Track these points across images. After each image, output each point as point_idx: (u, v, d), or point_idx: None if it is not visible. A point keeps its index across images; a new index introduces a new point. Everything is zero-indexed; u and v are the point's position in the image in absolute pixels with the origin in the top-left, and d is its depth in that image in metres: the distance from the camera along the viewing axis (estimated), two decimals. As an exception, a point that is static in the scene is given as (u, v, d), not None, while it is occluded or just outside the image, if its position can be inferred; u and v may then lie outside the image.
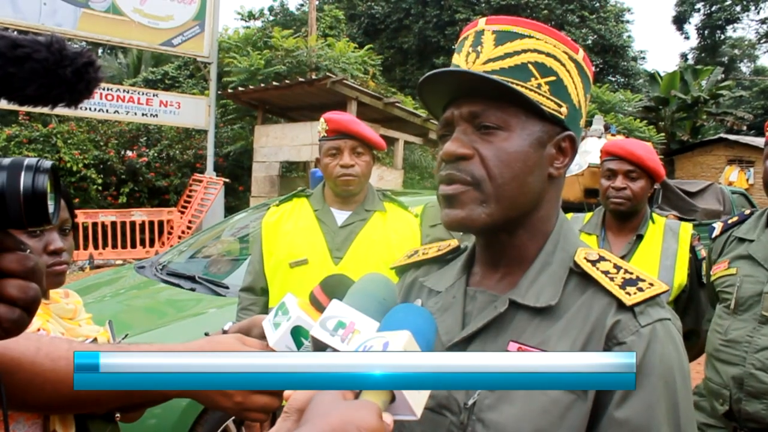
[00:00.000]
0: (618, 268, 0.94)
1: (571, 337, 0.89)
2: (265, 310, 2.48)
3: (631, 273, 0.93)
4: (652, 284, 0.91)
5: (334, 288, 0.95)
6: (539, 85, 0.93)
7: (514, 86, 0.91)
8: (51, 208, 0.72)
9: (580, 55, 0.97)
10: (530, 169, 0.94)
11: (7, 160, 0.72)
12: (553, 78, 0.94)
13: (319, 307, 0.91)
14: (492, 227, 0.96)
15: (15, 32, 0.71)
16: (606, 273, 0.93)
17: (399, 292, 1.15)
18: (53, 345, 0.96)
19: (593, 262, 0.95)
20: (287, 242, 2.45)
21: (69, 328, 1.43)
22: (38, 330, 1.32)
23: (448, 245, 1.17)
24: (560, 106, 0.94)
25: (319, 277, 2.24)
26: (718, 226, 2.47)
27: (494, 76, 0.91)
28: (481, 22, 0.97)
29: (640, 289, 0.90)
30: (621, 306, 0.89)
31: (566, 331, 0.90)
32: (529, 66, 0.93)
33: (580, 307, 0.91)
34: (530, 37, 0.93)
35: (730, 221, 2.43)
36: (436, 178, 1.00)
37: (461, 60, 0.96)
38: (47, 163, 0.73)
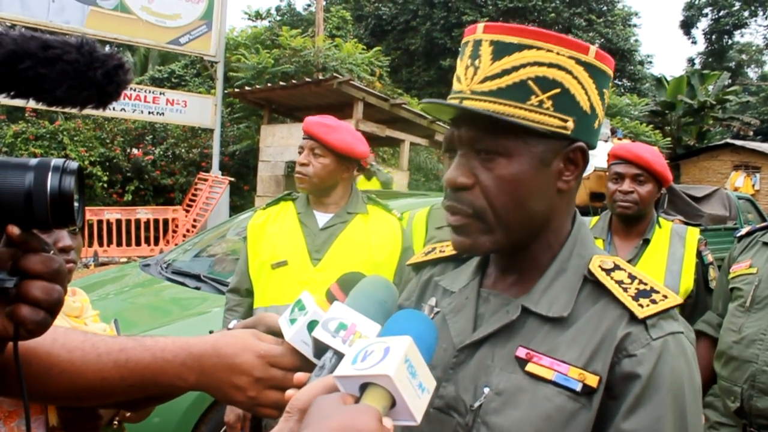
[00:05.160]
0: (632, 278, 0.93)
1: (580, 345, 0.89)
2: (250, 311, 2.51)
3: (646, 284, 0.92)
4: (666, 296, 0.90)
5: (352, 285, 0.95)
6: (541, 102, 0.88)
7: (507, 115, 0.88)
8: (76, 210, 0.73)
9: (591, 53, 0.90)
10: (534, 192, 0.92)
11: (34, 161, 0.72)
12: (557, 91, 0.89)
13: None
14: (499, 251, 0.96)
15: (22, 29, 0.71)
16: (620, 283, 0.92)
17: (414, 289, 1.16)
18: (69, 336, 0.96)
19: (608, 271, 0.94)
20: (270, 244, 2.48)
21: (75, 326, 1.43)
22: None
23: None
24: (565, 121, 0.90)
25: (298, 279, 2.24)
26: (745, 228, 2.58)
27: (487, 107, 0.89)
28: (479, 30, 0.93)
29: (654, 302, 0.89)
30: (633, 318, 0.88)
31: (575, 340, 0.89)
32: (529, 83, 0.88)
33: (592, 316, 0.91)
34: (530, 47, 0.88)
35: (758, 226, 2.52)
36: (444, 197, 0.99)
37: (461, 72, 0.94)
38: (74, 165, 0.73)
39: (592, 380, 0.86)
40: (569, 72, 0.89)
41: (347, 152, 2.42)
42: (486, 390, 0.90)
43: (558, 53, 0.88)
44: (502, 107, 0.88)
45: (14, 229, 0.72)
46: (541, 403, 0.86)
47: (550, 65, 0.88)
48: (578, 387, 0.86)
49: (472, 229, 0.93)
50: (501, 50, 0.89)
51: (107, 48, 0.75)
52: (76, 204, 0.73)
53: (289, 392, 0.79)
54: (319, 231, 2.46)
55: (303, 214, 2.51)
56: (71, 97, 0.72)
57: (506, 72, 0.88)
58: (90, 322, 1.50)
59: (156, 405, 1.16)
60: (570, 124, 0.90)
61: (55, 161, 0.72)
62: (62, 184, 0.71)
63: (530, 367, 0.89)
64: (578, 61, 0.89)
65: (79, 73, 0.71)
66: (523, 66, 0.88)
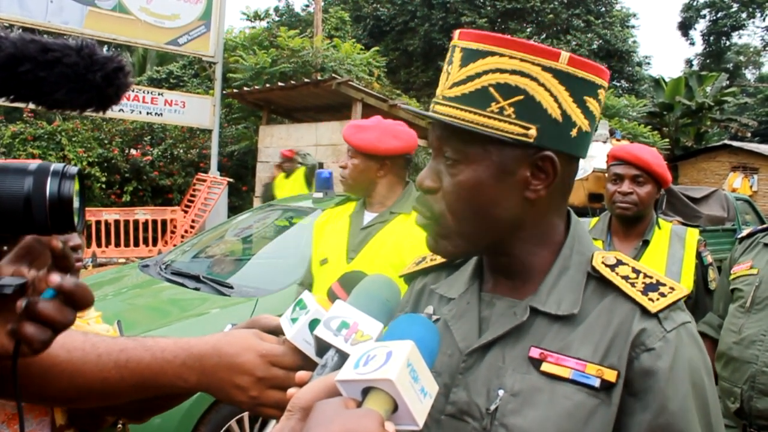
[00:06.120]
0: (637, 272, 0.94)
1: (592, 342, 0.89)
2: None
3: (651, 277, 0.93)
4: (673, 288, 0.92)
5: (354, 283, 0.95)
6: (501, 109, 0.88)
7: (466, 121, 0.89)
8: (76, 215, 0.72)
9: (563, 59, 0.88)
10: (494, 200, 0.91)
11: (33, 165, 0.71)
12: (519, 98, 0.87)
13: None
14: (463, 256, 0.97)
15: (20, 30, 0.70)
16: (626, 278, 0.93)
17: (408, 299, 1.15)
18: (69, 336, 0.95)
19: (612, 267, 0.95)
20: (324, 242, 2.62)
21: (78, 326, 1.42)
22: None
23: None
24: (527, 129, 0.88)
25: (335, 276, 2.24)
26: (746, 229, 2.62)
27: (450, 112, 0.90)
28: (456, 36, 0.94)
29: (663, 294, 0.90)
30: (645, 313, 0.89)
31: (587, 337, 0.90)
32: (490, 89, 0.88)
33: (601, 312, 0.91)
34: (493, 54, 0.88)
35: (759, 227, 2.55)
36: None
37: (441, 77, 0.96)
38: (73, 169, 0.72)
39: (610, 375, 0.87)
40: (534, 79, 0.88)
41: (370, 150, 2.47)
42: (500, 392, 0.90)
43: (522, 60, 0.87)
44: (463, 113, 0.89)
45: (57, 243, 0.71)
46: (560, 401, 0.87)
47: (513, 72, 0.88)
48: (597, 383, 0.87)
49: (432, 232, 0.96)
50: (467, 57, 0.90)
51: (106, 49, 0.74)
52: (75, 208, 0.73)
53: (290, 391, 0.79)
54: (359, 230, 2.52)
55: (355, 213, 2.61)
56: (71, 100, 0.72)
57: (470, 78, 0.90)
58: (93, 323, 1.50)
59: (161, 412, 1.15)
60: (532, 132, 0.88)
61: (55, 166, 0.72)
62: (61, 189, 0.71)
63: (545, 367, 0.89)
64: (545, 68, 0.88)
65: (79, 76, 0.70)
66: (485, 73, 0.89)
